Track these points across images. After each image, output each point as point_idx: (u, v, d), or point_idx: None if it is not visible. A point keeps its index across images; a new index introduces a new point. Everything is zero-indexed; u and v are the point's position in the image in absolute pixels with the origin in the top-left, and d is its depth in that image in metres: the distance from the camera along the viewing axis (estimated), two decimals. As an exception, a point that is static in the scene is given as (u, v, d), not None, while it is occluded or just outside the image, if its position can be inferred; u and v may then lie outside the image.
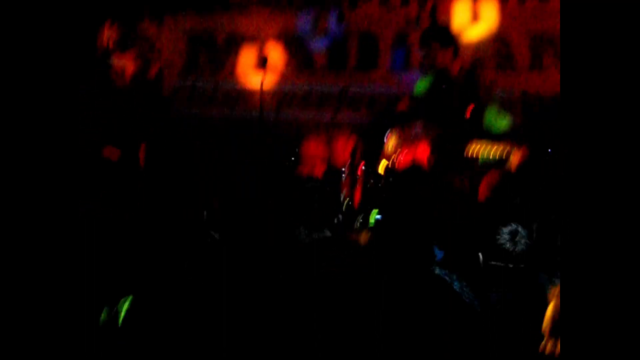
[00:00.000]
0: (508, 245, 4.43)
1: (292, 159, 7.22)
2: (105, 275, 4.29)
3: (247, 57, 8.20)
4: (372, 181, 6.01)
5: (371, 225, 5.74)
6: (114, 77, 5.28)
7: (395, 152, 5.69)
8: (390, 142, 5.76)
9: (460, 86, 5.63)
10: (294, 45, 8.14)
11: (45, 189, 3.02)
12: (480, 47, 6.93)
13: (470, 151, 5.23)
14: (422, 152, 5.51)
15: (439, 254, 4.21)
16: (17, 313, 2.95)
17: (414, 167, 5.58)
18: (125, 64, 5.36)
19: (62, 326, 3.03)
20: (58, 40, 3.05)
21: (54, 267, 3.03)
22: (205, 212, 6.12)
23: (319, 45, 8.14)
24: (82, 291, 3.23)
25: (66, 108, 3.05)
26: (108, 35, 7.84)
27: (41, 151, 3.02)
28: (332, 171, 6.78)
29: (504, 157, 5.10)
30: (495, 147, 5.15)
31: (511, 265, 4.37)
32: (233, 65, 8.25)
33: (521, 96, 7.05)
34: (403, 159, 5.60)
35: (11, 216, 2.95)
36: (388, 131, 5.79)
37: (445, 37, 5.71)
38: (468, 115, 5.34)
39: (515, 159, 5.03)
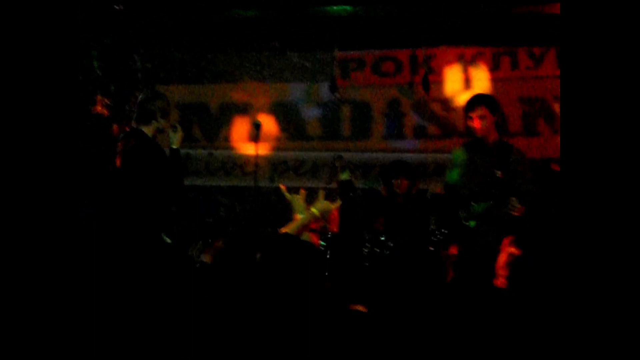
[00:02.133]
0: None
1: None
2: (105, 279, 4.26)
3: (240, 126, 8.23)
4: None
5: None
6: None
7: None
8: None
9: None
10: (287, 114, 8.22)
11: (45, 193, 2.99)
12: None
13: None
14: None
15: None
16: (17, 316, 2.91)
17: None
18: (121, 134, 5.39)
19: (61, 329, 2.99)
20: (57, 35, 3.02)
21: (55, 272, 3.00)
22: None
23: (311, 114, 8.21)
24: (82, 295, 3.20)
25: (67, 108, 3.02)
26: (102, 107, 7.95)
27: (41, 154, 2.99)
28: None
29: None
30: None
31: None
32: (227, 134, 8.28)
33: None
34: None
35: (10, 221, 2.92)
36: None
37: None
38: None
39: None
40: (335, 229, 6.89)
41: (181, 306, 3.79)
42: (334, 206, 4.85)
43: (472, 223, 5.81)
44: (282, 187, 5.05)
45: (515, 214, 5.54)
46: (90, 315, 3.49)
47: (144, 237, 5.31)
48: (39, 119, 2.99)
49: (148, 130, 5.52)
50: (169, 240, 5.71)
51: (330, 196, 4.95)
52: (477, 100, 5.96)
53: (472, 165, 5.96)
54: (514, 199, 5.56)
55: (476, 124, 5.83)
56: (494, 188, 5.65)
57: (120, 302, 4.59)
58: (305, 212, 4.77)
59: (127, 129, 5.70)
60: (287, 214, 5.22)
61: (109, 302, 4.34)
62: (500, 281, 4.31)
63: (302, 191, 5.06)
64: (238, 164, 8.16)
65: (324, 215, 4.78)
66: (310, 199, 4.76)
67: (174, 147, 5.66)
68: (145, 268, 5.11)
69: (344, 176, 6.84)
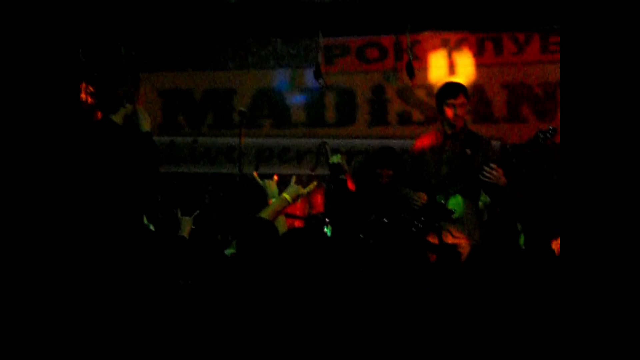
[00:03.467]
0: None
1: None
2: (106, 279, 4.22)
3: (224, 113, 8.21)
4: None
5: None
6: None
7: None
8: None
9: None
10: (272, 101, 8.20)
11: (48, 193, 2.98)
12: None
13: None
14: None
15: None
16: (19, 317, 2.91)
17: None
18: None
19: (63, 330, 2.99)
20: (58, 39, 3.01)
21: (57, 273, 2.99)
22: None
23: (296, 101, 8.20)
24: (84, 295, 3.18)
25: (67, 108, 3.01)
26: (86, 95, 7.89)
27: (42, 152, 2.98)
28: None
29: None
30: None
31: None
32: (211, 122, 8.26)
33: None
34: None
35: (13, 221, 2.91)
36: None
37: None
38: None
39: None
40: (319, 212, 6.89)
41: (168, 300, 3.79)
42: (305, 191, 4.88)
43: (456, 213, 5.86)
44: (255, 173, 5.09)
45: (491, 179, 5.61)
46: (87, 314, 3.47)
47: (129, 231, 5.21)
48: (40, 117, 2.98)
49: (117, 118, 5.37)
50: (152, 227, 5.67)
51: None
52: (459, 88, 5.99)
53: (441, 153, 6.04)
54: (489, 166, 5.61)
55: (459, 111, 5.88)
56: (463, 170, 5.78)
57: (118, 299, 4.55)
58: (278, 197, 4.80)
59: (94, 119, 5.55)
60: (267, 201, 5.23)
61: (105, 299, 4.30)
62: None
63: (275, 177, 5.11)
64: (222, 151, 8.15)
65: (296, 200, 4.81)
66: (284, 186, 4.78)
67: (144, 130, 5.43)
68: (135, 261, 5.03)
69: (335, 159, 6.83)
